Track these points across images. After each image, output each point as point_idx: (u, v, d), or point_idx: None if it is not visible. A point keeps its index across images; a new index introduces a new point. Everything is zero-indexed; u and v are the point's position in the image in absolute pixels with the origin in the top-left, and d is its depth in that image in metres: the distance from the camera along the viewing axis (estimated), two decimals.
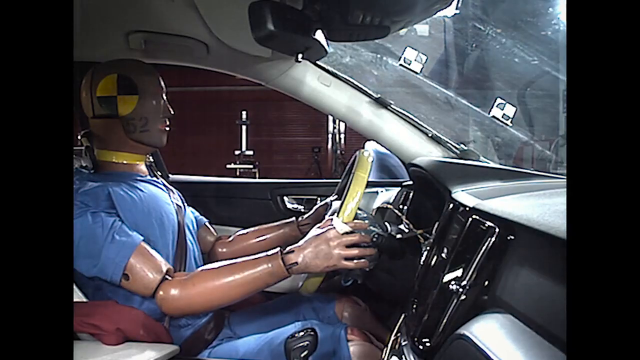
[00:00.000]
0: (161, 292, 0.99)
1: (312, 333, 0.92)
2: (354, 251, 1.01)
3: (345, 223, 1.03)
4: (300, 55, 0.87)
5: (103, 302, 1.00)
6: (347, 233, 1.02)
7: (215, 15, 1.02)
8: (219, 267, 1.03)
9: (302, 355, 0.89)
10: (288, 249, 1.02)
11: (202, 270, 1.05)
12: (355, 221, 1.05)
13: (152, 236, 1.08)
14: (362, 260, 1.02)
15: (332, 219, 1.04)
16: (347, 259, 1.00)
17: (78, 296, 0.98)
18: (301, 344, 0.90)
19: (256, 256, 1.03)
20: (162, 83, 1.22)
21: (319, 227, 1.05)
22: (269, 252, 1.02)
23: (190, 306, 1.02)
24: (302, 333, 0.93)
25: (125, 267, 0.98)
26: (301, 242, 1.03)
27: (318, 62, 1.56)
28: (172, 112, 1.23)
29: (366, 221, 1.09)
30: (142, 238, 1.03)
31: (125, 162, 1.20)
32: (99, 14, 1.09)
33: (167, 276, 1.01)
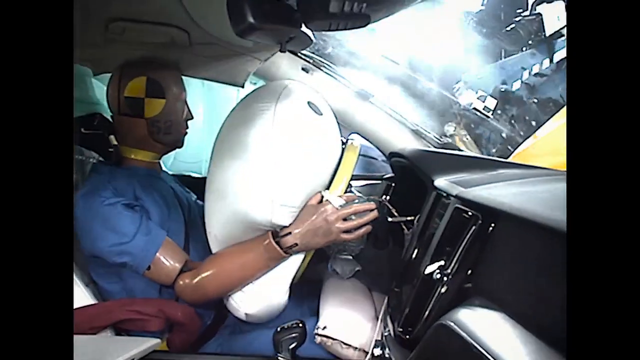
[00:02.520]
0: (180, 282, 1.06)
1: (300, 325, 0.92)
2: (353, 222, 1.02)
3: (339, 196, 1.03)
4: (285, 45, 0.85)
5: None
6: (341, 206, 1.02)
7: (197, 4, 0.99)
8: (223, 253, 1.08)
9: (291, 347, 0.90)
10: (284, 231, 1.03)
11: (210, 258, 1.09)
12: (348, 194, 1.06)
13: (170, 229, 1.14)
14: (362, 229, 1.03)
15: (324, 194, 1.04)
16: (345, 231, 1.02)
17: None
18: (290, 336, 0.90)
19: (252, 243, 1.04)
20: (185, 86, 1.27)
21: (312, 205, 1.04)
22: (263, 239, 1.03)
23: (205, 293, 1.07)
24: (291, 324, 0.93)
25: (152, 258, 1.05)
26: (297, 222, 1.03)
27: (300, 52, 1.55)
28: (192, 117, 1.30)
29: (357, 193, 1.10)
30: (166, 232, 1.10)
31: (144, 159, 1.26)
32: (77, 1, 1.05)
33: (185, 266, 1.08)
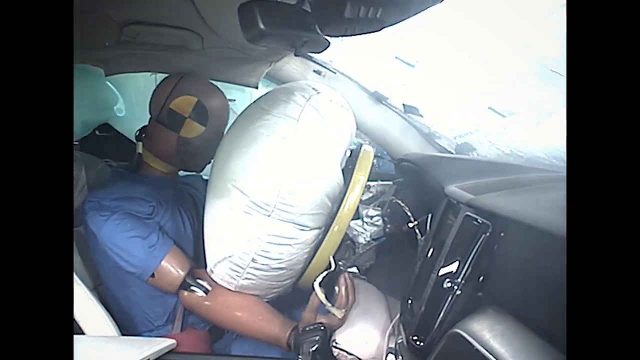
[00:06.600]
0: (185, 294, 1.08)
1: (322, 328, 0.92)
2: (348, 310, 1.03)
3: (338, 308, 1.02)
4: (299, 49, 0.85)
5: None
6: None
7: (211, 9, 1.00)
8: (236, 307, 1.07)
9: (312, 349, 0.89)
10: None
11: (224, 297, 1.08)
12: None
13: (180, 238, 1.16)
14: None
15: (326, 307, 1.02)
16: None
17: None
18: (311, 338, 0.90)
19: (268, 331, 1.04)
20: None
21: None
22: (283, 329, 1.02)
23: (205, 316, 1.10)
24: (313, 327, 0.93)
25: (156, 267, 1.06)
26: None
27: (312, 55, 1.55)
28: None
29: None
30: (172, 242, 1.10)
31: (163, 170, 1.26)
32: (91, 4, 1.06)
33: (189, 275, 1.08)
